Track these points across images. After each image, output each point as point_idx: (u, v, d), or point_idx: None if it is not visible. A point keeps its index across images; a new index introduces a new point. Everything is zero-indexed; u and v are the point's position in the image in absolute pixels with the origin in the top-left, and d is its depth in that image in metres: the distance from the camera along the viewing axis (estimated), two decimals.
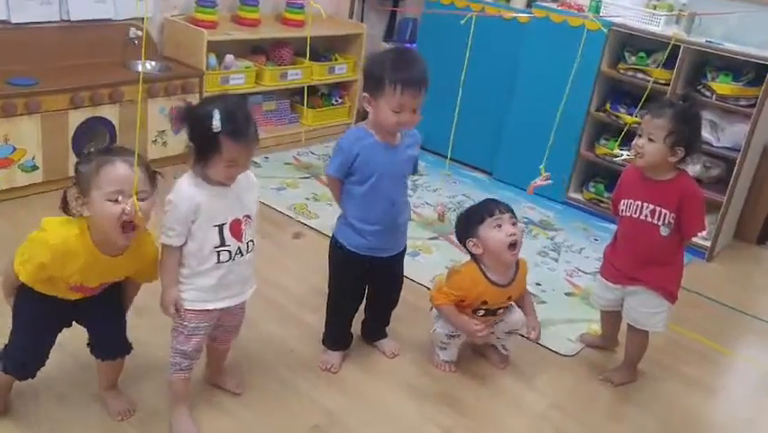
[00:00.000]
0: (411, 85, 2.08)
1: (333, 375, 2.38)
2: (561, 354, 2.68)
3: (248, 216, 1.95)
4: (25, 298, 1.84)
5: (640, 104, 2.31)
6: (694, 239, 3.69)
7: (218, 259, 1.89)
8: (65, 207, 1.75)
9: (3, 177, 3.08)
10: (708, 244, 3.72)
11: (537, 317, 2.49)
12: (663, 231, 2.30)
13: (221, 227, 1.88)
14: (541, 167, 2.56)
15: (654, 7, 3.93)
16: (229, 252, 1.91)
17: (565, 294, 3.16)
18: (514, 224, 2.31)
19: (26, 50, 3.33)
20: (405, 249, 2.42)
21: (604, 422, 2.37)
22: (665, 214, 2.29)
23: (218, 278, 1.91)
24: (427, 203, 3.91)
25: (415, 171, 2.35)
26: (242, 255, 1.94)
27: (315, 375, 2.36)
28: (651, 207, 2.31)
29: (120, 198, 1.67)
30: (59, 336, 1.94)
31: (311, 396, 2.26)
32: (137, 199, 1.66)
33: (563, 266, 3.42)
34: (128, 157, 1.70)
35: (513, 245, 2.28)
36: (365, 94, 2.15)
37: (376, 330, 2.56)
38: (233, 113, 1.80)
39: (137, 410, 2.06)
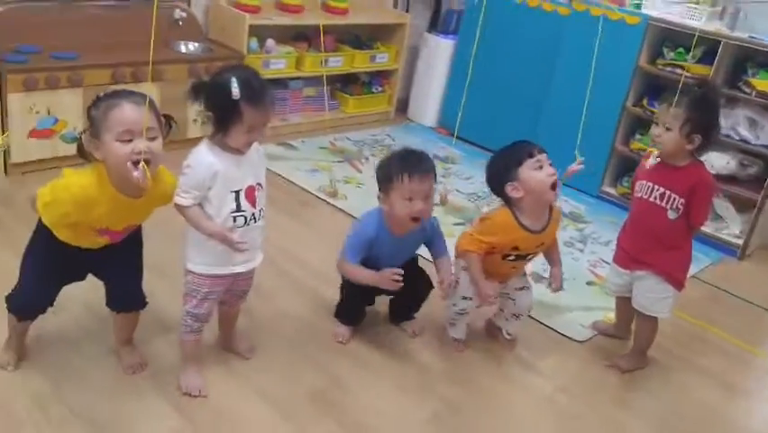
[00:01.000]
0: (418, 171, 2.20)
1: (344, 346, 2.44)
2: (572, 339, 2.68)
3: (260, 184, 2.02)
4: (42, 244, 1.92)
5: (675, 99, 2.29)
6: (726, 237, 3.67)
7: (234, 223, 1.96)
8: (81, 152, 1.83)
9: (46, 147, 3.25)
10: (740, 242, 3.63)
11: (562, 269, 2.45)
12: (671, 214, 2.30)
13: (237, 193, 1.95)
14: (576, 152, 2.56)
15: (697, 2, 3.86)
16: (244, 217, 1.97)
17: (586, 283, 3.15)
18: (551, 164, 2.27)
19: (72, 27, 3.48)
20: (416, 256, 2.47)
21: (610, 407, 2.37)
22: (674, 198, 2.29)
23: (227, 251, 1.96)
24: (458, 190, 3.93)
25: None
26: (255, 221, 2.01)
27: (325, 345, 2.43)
28: (661, 189, 2.31)
29: (129, 138, 1.73)
30: (80, 290, 2.06)
31: (319, 363, 2.33)
32: (146, 138, 1.72)
33: (588, 256, 3.40)
34: (135, 98, 1.76)
35: (555, 185, 2.24)
36: (379, 194, 2.28)
37: (401, 316, 2.60)
38: (250, 80, 1.88)
39: (149, 365, 2.16)
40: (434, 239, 2.41)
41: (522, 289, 2.47)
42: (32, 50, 3.25)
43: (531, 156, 2.24)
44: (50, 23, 3.43)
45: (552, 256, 2.45)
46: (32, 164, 3.23)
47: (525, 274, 2.51)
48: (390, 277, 2.20)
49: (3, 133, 3.07)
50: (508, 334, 2.56)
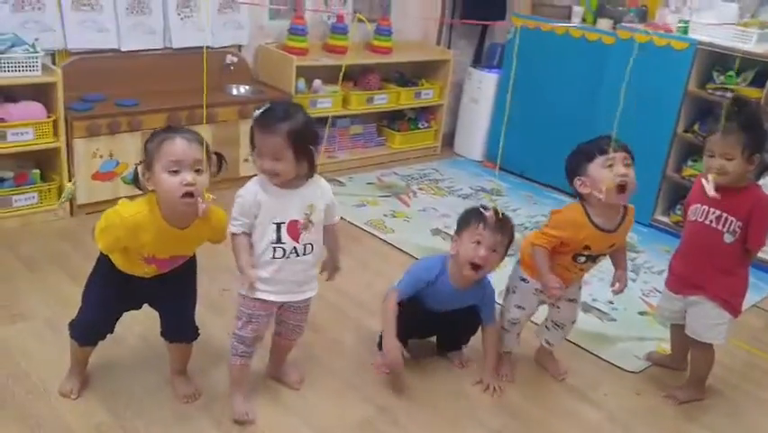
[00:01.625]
0: (493, 225, 2.24)
1: (389, 377, 2.45)
2: (625, 370, 2.63)
3: (310, 221, 2.05)
4: (101, 272, 2.04)
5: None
6: (764, 255, 3.53)
7: (273, 254, 2.02)
8: (136, 182, 1.94)
9: (108, 188, 3.41)
10: None
11: (627, 273, 2.40)
12: (727, 238, 2.25)
13: (279, 225, 2.01)
14: None
15: (746, 24, 3.81)
16: (283, 249, 2.02)
17: (638, 313, 3.09)
18: (627, 165, 2.17)
19: (132, 75, 3.68)
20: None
21: None
22: (732, 221, 2.25)
23: (272, 272, 2.03)
24: None
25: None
26: (297, 255, 2.04)
27: (373, 376, 2.44)
28: (717, 212, 2.27)
29: (177, 170, 1.82)
30: (137, 321, 2.14)
31: (367, 394, 2.35)
32: (194, 172, 1.82)
33: (640, 285, 3.34)
34: (186, 134, 1.87)
35: (622, 187, 2.14)
36: (454, 235, 2.35)
37: (449, 346, 2.61)
38: (273, 108, 1.97)
39: (203, 395, 2.22)
40: (486, 304, 2.42)
41: (571, 301, 2.44)
42: (96, 99, 3.44)
43: (603, 152, 2.16)
44: (111, 72, 3.63)
45: (618, 258, 2.38)
46: (95, 205, 3.38)
47: (579, 287, 2.47)
48: (392, 362, 2.29)
49: (70, 181, 3.25)
50: (548, 343, 2.54)
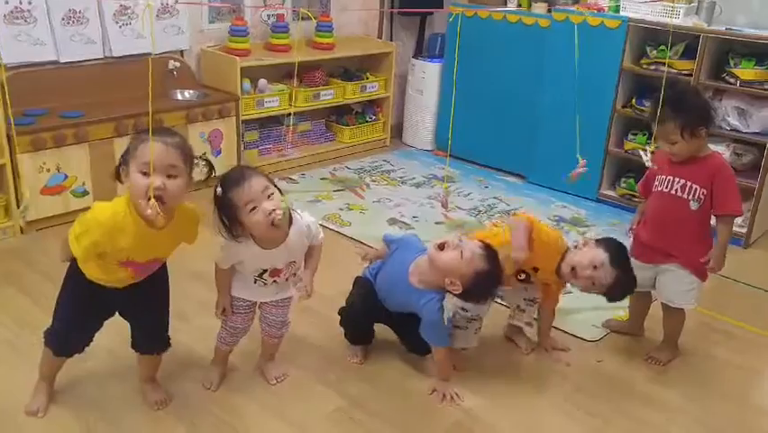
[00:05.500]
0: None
1: (360, 366, 2.49)
2: (585, 340, 2.73)
3: (293, 262, 2.18)
4: (73, 282, 2.01)
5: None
6: None
7: (254, 282, 2.18)
8: (117, 176, 1.92)
9: (58, 202, 3.35)
10: (743, 231, 3.68)
11: None
12: (693, 205, 2.37)
13: (263, 271, 2.15)
14: (578, 155, 2.64)
15: (673, 0, 3.96)
16: (264, 282, 2.19)
17: None
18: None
19: (74, 87, 3.61)
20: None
21: (629, 403, 2.40)
22: (696, 189, 2.36)
23: (253, 288, 2.21)
24: (459, 207, 4.00)
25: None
26: (277, 284, 2.21)
27: (344, 367, 2.48)
28: (682, 181, 2.38)
29: (147, 171, 1.79)
30: (103, 335, 2.13)
31: (336, 384, 2.38)
32: (166, 175, 1.80)
33: None
34: (168, 138, 1.84)
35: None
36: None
37: (411, 350, 2.59)
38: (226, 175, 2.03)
39: (173, 400, 2.22)
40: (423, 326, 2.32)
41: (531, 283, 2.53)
42: (38, 113, 3.37)
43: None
44: (52, 85, 3.56)
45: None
46: (45, 221, 3.32)
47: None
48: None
49: (19, 205, 3.18)
50: (528, 324, 2.62)
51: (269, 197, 1.96)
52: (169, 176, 1.82)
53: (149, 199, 1.78)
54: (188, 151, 1.89)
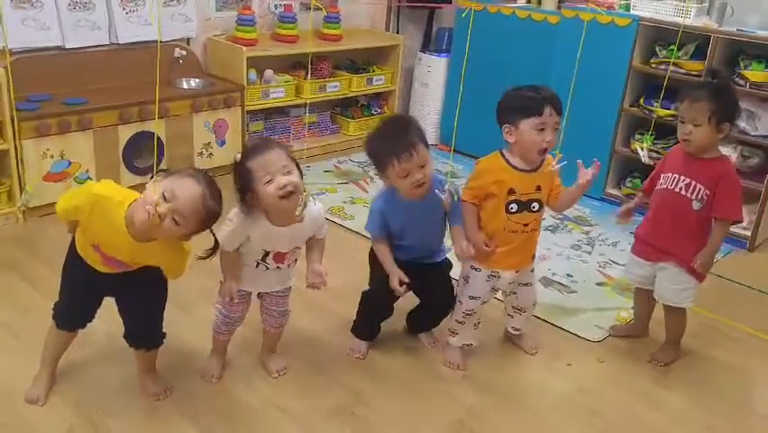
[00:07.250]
0: (406, 150, 2.16)
1: (362, 361, 2.48)
2: (587, 340, 2.72)
3: (297, 247, 2.18)
4: (69, 257, 2.02)
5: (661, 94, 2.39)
6: (734, 229, 3.68)
7: (256, 266, 2.16)
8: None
9: (61, 189, 3.32)
10: (748, 233, 3.66)
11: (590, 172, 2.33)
12: (695, 205, 2.36)
13: (267, 253, 2.13)
14: (556, 152, 2.61)
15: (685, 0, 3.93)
16: (266, 266, 2.17)
17: (596, 284, 3.18)
18: (556, 129, 2.23)
19: (79, 73, 3.59)
20: (446, 262, 2.48)
21: (631, 403, 2.39)
22: (700, 189, 2.35)
23: (253, 275, 2.18)
24: None
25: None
26: (279, 270, 2.19)
27: (343, 361, 2.47)
28: (687, 180, 2.37)
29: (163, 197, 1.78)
30: (101, 321, 2.12)
31: (339, 379, 2.37)
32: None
33: (596, 258, 3.44)
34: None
35: (544, 150, 2.24)
36: (377, 173, 2.31)
37: (420, 328, 2.64)
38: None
39: (174, 392, 2.21)
40: (453, 208, 2.33)
41: (526, 285, 2.50)
42: (43, 98, 3.35)
43: (539, 114, 2.20)
44: (57, 71, 3.53)
45: (570, 192, 2.36)
46: (48, 207, 3.30)
47: (532, 270, 2.51)
48: (397, 278, 2.25)
49: (21, 192, 3.18)
50: (514, 329, 2.60)
51: (287, 173, 1.97)
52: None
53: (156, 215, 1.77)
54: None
